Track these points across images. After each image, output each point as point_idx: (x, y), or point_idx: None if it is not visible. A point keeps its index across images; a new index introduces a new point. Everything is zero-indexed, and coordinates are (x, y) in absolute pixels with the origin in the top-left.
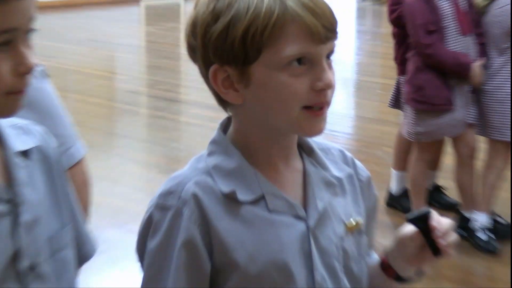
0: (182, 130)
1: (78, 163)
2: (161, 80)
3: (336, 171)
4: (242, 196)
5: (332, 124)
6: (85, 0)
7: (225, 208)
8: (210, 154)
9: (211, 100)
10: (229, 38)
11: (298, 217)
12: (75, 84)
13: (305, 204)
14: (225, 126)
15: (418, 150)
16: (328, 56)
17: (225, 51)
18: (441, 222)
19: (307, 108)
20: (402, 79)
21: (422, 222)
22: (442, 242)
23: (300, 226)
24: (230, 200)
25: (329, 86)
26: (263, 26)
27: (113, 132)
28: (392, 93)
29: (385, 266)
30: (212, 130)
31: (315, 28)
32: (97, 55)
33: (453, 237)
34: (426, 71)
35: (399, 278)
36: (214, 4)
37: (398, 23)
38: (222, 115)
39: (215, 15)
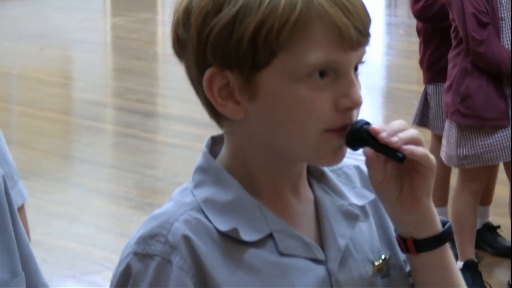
0: (160, 153)
1: (18, 210)
2: (131, 87)
3: (356, 198)
4: (245, 235)
5: None
6: None
7: (224, 252)
8: (197, 185)
9: (198, 114)
10: (235, 36)
11: (315, 260)
12: (20, 93)
13: (321, 242)
14: (212, 148)
15: (462, 179)
16: (356, 67)
17: (229, 51)
18: (389, 126)
19: (328, 130)
20: (431, 88)
21: (364, 136)
22: (394, 140)
23: (319, 271)
24: (230, 241)
25: (358, 105)
26: (281, 23)
27: (70, 156)
28: (417, 107)
29: (401, 242)
30: (199, 152)
31: (346, 29)
32: (48, 56)
33: (408, 132)
34: (476, 75)
35: (421, 246)
36: None
37: (425, 15)
38: (212, 133)
39: (218, 3)
